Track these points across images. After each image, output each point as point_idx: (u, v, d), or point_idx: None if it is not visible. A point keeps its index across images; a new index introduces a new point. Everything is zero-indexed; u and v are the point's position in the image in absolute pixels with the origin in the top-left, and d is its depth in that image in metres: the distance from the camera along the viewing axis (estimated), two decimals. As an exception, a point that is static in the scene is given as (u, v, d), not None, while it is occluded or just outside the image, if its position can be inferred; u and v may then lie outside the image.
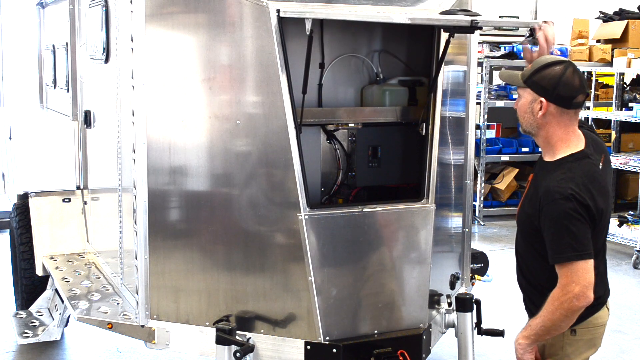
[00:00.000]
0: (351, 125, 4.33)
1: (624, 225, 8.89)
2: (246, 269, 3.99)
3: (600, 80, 11.56)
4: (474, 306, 4.42)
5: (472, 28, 3.58)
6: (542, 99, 3.02)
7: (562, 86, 3.00)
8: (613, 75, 10.27)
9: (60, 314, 5.30)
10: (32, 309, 5.66)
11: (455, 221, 4.64)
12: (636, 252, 8.46)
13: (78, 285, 4.82)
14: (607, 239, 9.77)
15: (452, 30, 3.81)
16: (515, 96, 10.50)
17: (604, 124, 10.72)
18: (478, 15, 3.73)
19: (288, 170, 3.79)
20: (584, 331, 3.10)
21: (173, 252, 4.11)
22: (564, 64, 3.06)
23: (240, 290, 4.01)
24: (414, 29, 4.44)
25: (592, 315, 3.08)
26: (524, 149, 10.68)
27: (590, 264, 2.88)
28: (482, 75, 10.41)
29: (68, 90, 5.71)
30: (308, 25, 3.61)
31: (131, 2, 3.89)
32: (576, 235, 2.88)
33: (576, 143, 3.08)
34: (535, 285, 3.18)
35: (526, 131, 3.16)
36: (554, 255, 2.93)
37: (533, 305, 3.18)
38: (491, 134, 10.75)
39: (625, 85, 10.54)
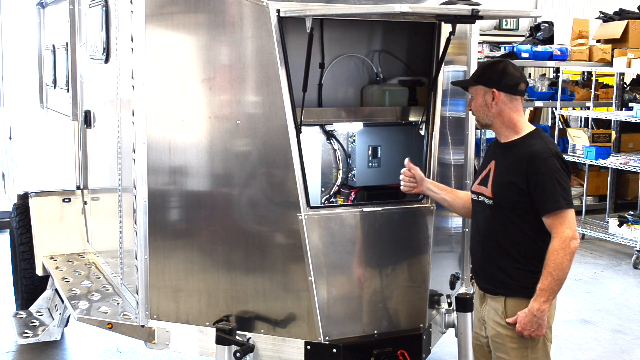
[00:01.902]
0: (351, 125, 4.34)
1: (624, 225, 8.89)
2: (246, 269, 3.99)
3: (600, 80, 11.56)
4: (474, 306, 4.42)
5: (473, 17, 3.58)
6: (494, 89, 3.50)
7: (508, 77, 3.51)
8: (613, 75, 10.27)
9: (60, 314, 5.30)
10: (32, 309, 5.66)
11: (455, 221, 4.64)
12: (636, 252, 8.46)
13: (78, 285, 4.82)
14: (607, 239, 9.70)
15: (454, 20, 3.80)
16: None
17: (604, 124, 10.72)
18: (479, 4, 3.73)
19: (288, 170, 3.80)
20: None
21: (173, 252, 4.11)
22: (504, 61, 3.62)
23: (240, 290, 4.01)
24: (414, 28, 4.44)
25: None
26: (524, 149, 10.65)
27: (574, 212, 3.39)
28: (482, 75, 10.39)
29: (68, 90, 5.71)
30: (308, 24, 3.61)
31: (131, 2, 3.89)
32: (564, 187, 3.36)
33: (529, 124, 3.58)
34: (515, 257, 3.48)
35: (483, 124, 3.62)
36: (549, 205, 3.34)
37: (509, 278, 3.48)
38: (491, 134, 10.71)
39: (625, 85, 10.54)
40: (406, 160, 3.99)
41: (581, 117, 11.46)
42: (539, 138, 3.49)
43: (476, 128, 4.74)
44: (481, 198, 3.59)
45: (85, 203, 5.63)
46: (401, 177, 3.99)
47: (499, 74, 3.51)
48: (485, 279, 3.62)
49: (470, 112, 3.68)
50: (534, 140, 3.48)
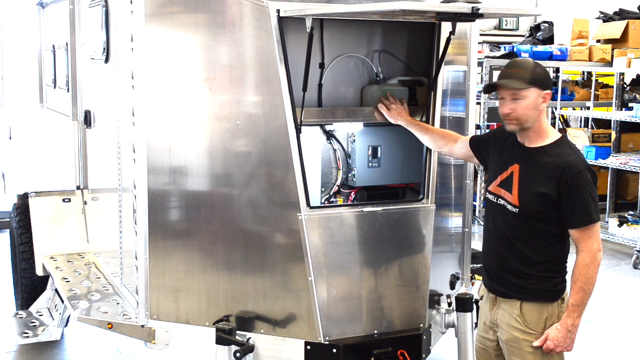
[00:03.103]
0: (351, 125, 4.34)
1: (624, 225, 8.89)
2: (246, 269, 3.99)
3: (600, 80, 11.55)
4: (474, 306, 4.42)
5: (473, 15, 3.58)
6: (547, 91, 3.42)
7: (550, 80, 3.49)
8: (613, 75, 10.27)
9: (60, 314, 5.30)
10: (32, 309, 5.66)
11: (455, 221, 4.64)
12: (636, 252, 8.46)
13: (78, 285, 4.82)
14: (607, 239, 9.67)
15: (454, 17, 3.79)
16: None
17: (604, 124, 10.72)
18: (479, 2, 3.72)
19: (288, 170, 3.80)
20: (565, 297, 3.49)
21: (173, 252, 4.11)
22: (540, 65, 3.49)
23: (240, 290, 4.01)
24: (414, 28, 4.44)
25: (567, 284, 3.52)
26: (524, 149, 10.65)
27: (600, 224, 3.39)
28: (482, 75, 10.42)
29: (68, 90, 5.71)
30: (309, 23, 3.61)
31: (131, 2, 3.89)
32: (595, 201, 3.35)
33: (553, 129, 3.53)
34: (535, 265, 3.43)
35: (524, 127, 3.42)
36: (582, 218, 3.32)
37: (525, 283, 3.44)
38: (491, 133, 10.73)
39: (625, 85, 10.54)
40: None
41: (581, 117, 11.46)
42: (569, 148, 3.43)
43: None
44: (501, 202, 3.50)
45: (85, 203, 5.63)
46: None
47: (547, 76, 3.44)
48: (500, 283, 3.55)
49: (510, 114, 3.41)
50: (566, 149, 3.41)
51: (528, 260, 3.43)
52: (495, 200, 3.55)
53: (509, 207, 3.45)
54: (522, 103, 3.38)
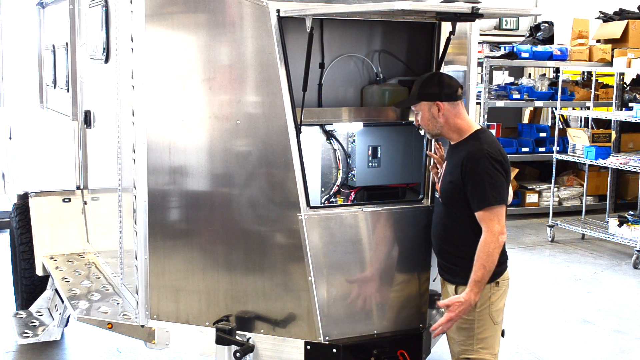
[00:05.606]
0: (351, 125, 4.34)
1: (624, 225, 8.89)
2: (246, 269, 4.00)
3: (600, 80, 11.55)
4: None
5: (473, 15, 3.59)
6: (438, 102, 3.73)
7: (446, 87, 3.75)
8: (613, 75, 10.27)
9: (60, 314, 5.30)
10: (32, 309, 5.66)
11: (455, 221, 4.64)
12: (636, 252, 8.46)
13: (78, 285, 4.82)
14: (607, 239, 9.65)
15: (454, 17, 3.80)
16: (515, 96, 10.54)
17: (604, 124, 10.72)
18: (479, 2, 3.73)
19: (288, 170, 3.80)
20: (502, 282, 3.79)
21: (173, 252, 4.11)
22: (436, 73, 3.92)
23: (240, 290, 4.01)
24: (414, 28, 4.44)
25: (505, 270, 3.81)
26: (524, 149, 10.68)
27: (504, 208, 3.63)
28: (482, 75, 10.42)
29: (68, 90, 5.71)
30: (309, 23, 3.62)
31: (131, 2, 3.89)
32: (494, 185, 3.58)
33: (473, 123, 3.83)
34: (461, 249, 3.73)
35: (433, 135, 3.85)
36: (478, 203, 3.59)
37: (456, 267, 3.77)
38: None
39: (625, 85, 10.54)
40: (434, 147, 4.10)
41: (581, 117, 11.46)
42: (477, 139, 3.70)
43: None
44: (437, 195, 3.88)
45: (85, 203, 5.63)
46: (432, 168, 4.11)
47: (437, 87, 3.73)
48: (441, 267, 3.90)
49: (419, 125, 3.87)
50: (472, 141, 3.71)
51: (456, 247, 3.75)
52: (436, 196, 3.92)
53: (439, 198, 3.83)
54: (419, 116, 3.81)
